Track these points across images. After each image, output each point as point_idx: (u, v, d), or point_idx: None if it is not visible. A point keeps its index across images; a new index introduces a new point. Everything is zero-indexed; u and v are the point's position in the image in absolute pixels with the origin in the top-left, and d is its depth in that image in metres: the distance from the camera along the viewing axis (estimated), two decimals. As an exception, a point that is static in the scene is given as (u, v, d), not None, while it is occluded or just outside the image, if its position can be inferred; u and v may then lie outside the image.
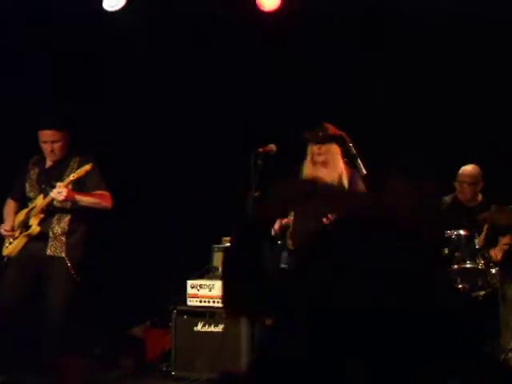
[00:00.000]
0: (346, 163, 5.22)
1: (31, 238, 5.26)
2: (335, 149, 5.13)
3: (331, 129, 5.15)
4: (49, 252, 5.23)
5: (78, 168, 5.22)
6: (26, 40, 6.40)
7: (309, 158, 5.20)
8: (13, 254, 5.29)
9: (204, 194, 6.44)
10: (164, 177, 6.58)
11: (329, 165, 5.14)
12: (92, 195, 5.27)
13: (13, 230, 5.32)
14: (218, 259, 6.06)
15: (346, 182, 5.12)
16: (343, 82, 6.27)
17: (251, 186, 4.87)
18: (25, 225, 5.28)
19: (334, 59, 6.31)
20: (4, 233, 5.34)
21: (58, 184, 5.09)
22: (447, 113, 6.16)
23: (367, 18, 6.18)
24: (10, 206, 5.50)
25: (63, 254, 5.22)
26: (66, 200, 5.13)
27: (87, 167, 5.13)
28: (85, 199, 5.23)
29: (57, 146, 5.30)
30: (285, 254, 5.28)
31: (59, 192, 5.05)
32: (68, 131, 5.36)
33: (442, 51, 6.11)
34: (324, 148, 5.11)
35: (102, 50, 6.59)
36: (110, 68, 6.63)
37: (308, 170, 5.20)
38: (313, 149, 5.15)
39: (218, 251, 6.11)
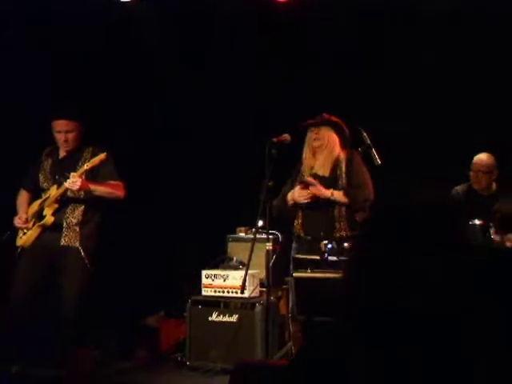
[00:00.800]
0: (360, 153, 5.25)
1: (45, 229, 5.27)
2: (332, 135, 5.22)
3: (327, 116, 5.22)
4: (63, 242, 5.24)
5: (91, 158, 5.22)
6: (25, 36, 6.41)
7: (307, 144, 5.27)
8: (27, 245, 5.30)
9: (219, 183, 6.43)
10: (179, 167, 6.58)
11: (325, 150, 5.22)
12: (105, 185, 5.28)
13: (27, 220, 5.33)
14: (232, 249, 6.05)
15: (343, 165, 5.19)
16: (358, 72, 6.24)
17: (265, 176, 4.87)
18: (39, 215, 5.29)
19: (349, 49, 6.27)
20: (18, 223, 5.35)
21: (72, 174, 5.10)
22: (458, 102, 6.12)
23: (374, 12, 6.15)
24: (24, 196, 5.51)
25: (77, 244, 5.23)
26: (80, 190, 5.14)
27: (102, 156, 5.14)
28: (99, 189, 5.23)
29: (71, 136, 5.31)
30: (294, 245, 5.30)
31: (73, 182, 5.06)
32: (82, 122, 5.36)
33: (456, 40, 6.07)
34: (321, 133, 5.21)
35: (112, 43, 6.58)
36: (127, 57, 6.62)
37: (307, 158, 5.27)
38: (310, 134, 5.21)
39: (232, 241, 6.10)
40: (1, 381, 4.76)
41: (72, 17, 6.32)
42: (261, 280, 5.62)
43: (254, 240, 5.00)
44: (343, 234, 5.09)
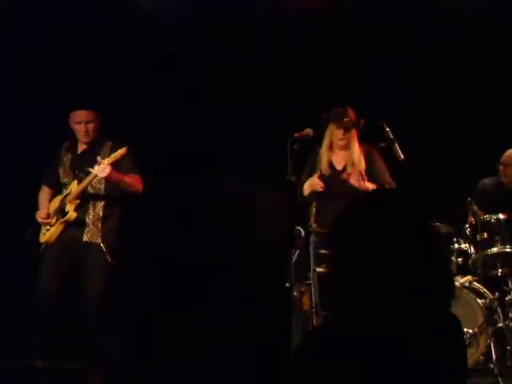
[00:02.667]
0: (382, 148, 5.25)
1: (68, 225, 5.28)
2: (354, 133, 5.28)
3: (352, 114, 5.22)
4: (85, 238, 5.25)
5: (110, 153, 5.20)
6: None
7: (328, 139, 5.32)
8: (50, 241, 5.31)
9: (241, 178, 6.41)
10: (202, 162, 6.57)
11: (348, 148, 5.29)
12: (128, 177, 5.27)
13: (48, 216, 5.35)
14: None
15: (362, 161, 5.25)
16: (381, 67, 6.22)
17: (288, 171, 4.86)
18: (61, 211, 5.30)
19: (373, 46, 6.24)
20: (41, 220, 5.38)
21: (102, 161, 5.05)
22: (488, 95, 6.08)
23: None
24: (45, 192, 5.52)
25: (99, 240, 5.24)
26: (108, 178, 5.09)
27: (122, 151, 5.11)
28: (123, 179, 5.21)
29: (91, 126, 5.29)
30: (313, 238, 5.29)
31: (103, 169, 5.00)
32: (100, 113, 5.35)
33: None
34: (348, 134, 5.25)
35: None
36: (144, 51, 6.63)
37: (325, 153, 5.29)
38: (336, 132, 5.25)
39: (255, 237, 6.10)
40: None
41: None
42: (284, 275, 5.61)
43: (277, 235, 5.00)
44: None
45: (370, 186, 5.13)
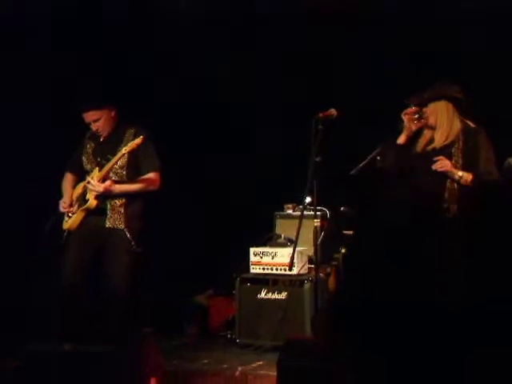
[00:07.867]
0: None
1: (89, 212, 5.28)
2: (442, 106, 4.74)
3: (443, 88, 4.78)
4: (108, 224, 5.25)
5: (133, 140, 5.19)
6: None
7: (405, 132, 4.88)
8: (72, 228, 5.33)
9: (266, 160, 6.38)
10: (226, 144, 6.54)
11: (436, 126, 4.80)
12: (137, 182, 5.27)
13: (71, 204, 5.36)
14: (280, 226, 6.02)
15: (460, 141, 4.76)
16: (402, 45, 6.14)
17: (312, 152, 4.83)
18: (83, 198, 5.31)
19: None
20: (63, 208, 5.39)
21: (91, 182, 5.16)
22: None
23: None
24: (68, 179, 5.54)
25: (122, 226, 5.24)
26: (104, 193, 5.15)
27: (138, 141, 5.09)
28: (125, 190, 5.24)
29: (99, 124, 5.30)
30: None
31: (94, 187, 5.13)
32: (109, 105, 5.32)
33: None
34: (428, 110, 4.77)
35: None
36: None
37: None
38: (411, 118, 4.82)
39: (280, 218, 6.06)
40: None
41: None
42: (309, 257, 5.59)
43: (302, 217, 4.97)
44: None
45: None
